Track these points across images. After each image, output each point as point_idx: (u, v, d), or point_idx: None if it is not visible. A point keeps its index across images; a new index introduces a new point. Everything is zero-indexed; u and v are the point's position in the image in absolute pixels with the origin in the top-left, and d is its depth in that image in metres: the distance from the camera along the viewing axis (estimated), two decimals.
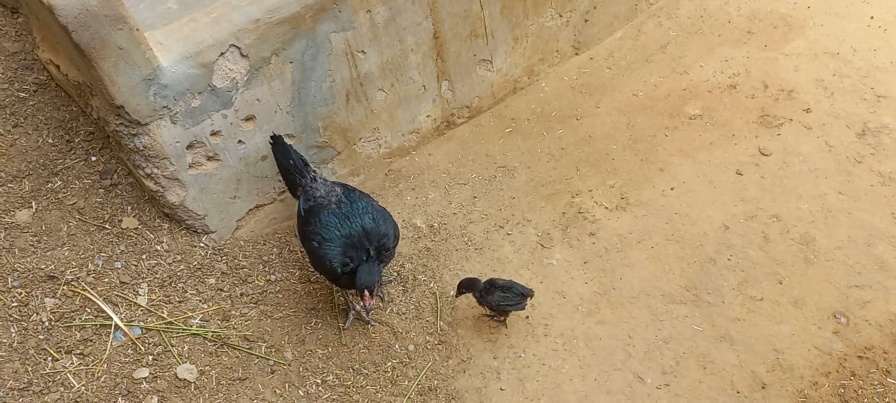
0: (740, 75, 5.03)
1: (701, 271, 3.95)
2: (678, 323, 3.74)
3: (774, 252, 4.00)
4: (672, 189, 4.39)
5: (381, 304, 3.87)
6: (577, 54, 5.27)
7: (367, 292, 3.24)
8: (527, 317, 3.81)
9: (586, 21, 5.13)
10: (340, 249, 3.37)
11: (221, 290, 3.77)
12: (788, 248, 4.00)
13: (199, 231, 3.89)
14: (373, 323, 3.77)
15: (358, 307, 3.79)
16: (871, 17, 5.33)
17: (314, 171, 3.76)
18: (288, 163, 3.73)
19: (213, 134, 3.67)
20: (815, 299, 3.77)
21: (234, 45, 3.50)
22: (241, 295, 3.78)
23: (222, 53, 3.48)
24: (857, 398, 3.38)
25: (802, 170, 4.40)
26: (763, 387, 3.46)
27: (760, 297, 3.80)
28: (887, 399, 3.35)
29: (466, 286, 3.70)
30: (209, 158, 3.74)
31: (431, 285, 3.98)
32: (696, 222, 4.19)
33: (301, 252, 4.03)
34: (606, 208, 4.32)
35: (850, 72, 4.99)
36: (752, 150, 4.54)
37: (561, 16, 4.95)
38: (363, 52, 4.03)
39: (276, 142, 3.80)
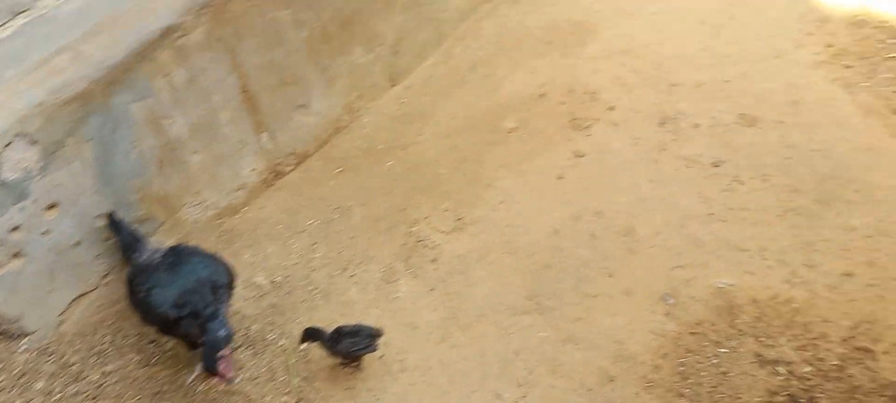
0: (547, 84, 5.27)
1: (538, 278, 4.09)
2: (525, 333, 3.85)
3: (601, 247, 4.19)
4: (501, 203, 4.52)
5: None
6: (393, 86, 5.33)
7: (222, 357, 3.14)
8: (381, 356, 3.78)
9: (396, 53, 5.21)
10: (173, 293, 3.27)
11: (51, 394, 3.48)
12: (613, 242, 4.22)
13: (16, 335, 3.58)
14: (239, 380, 3.62)
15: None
16: (653, 13, 5.75)
17: (148, 244, 3.65)
18: (122, 240, 3.65)
19: (13, 229, 3.41)
20: (643, 286, 3.98)
21: (20, 133, 3.29)
22: (75, 394, 3.52)
23: (8, 144, 3.26)
24: (696, 372, 3.58)
25: (615, 166, 4.65)
26: (611, 380, 3.61)
27: (595, 294, 3.98)
28: (722, 369, 3.57)
29: (311, 334, 3.64)
30: (14, 256, 3.47)
31: (281, 343, 3.87)
32: (528, 231, 4.34)
33: (137, 335, 3.78)
34: (443, 232, 4.39)
35: (643, 66, 5.33)
36: (567, 154, 4.75)
37: (369, 51, 5.00)
38: (168, 117, 3.89)
39: (110, 220, 3.70)
